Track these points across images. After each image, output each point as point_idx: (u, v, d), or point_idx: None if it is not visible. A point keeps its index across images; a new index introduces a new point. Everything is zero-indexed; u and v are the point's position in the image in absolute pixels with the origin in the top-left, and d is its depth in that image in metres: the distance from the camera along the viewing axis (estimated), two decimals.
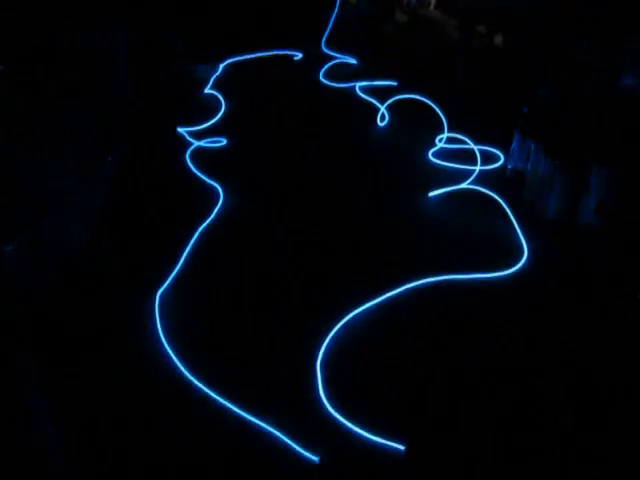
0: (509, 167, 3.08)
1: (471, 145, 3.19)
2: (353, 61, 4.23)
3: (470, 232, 2.72)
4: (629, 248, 2.55)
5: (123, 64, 3.69)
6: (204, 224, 2.77)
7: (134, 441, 1.88)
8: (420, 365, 2.11)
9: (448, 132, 3.33)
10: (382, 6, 4.80)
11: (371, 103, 3.72)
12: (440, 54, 4.09)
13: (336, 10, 4.42)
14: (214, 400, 1.97)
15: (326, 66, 4.13)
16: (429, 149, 3.29)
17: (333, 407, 1.94)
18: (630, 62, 2.83)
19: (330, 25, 4.40)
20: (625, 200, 2.59)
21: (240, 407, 1.94)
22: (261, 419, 1.90)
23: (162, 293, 2.39)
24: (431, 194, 2.98)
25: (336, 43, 4.32)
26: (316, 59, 4.21)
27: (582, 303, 2.37)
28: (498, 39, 4.07)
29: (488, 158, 3.19)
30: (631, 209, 2.58)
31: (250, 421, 1.90)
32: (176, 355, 2.12)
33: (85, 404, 1.98)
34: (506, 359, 2.14)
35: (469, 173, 3.08)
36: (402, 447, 1.83)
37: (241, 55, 4.24)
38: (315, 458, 1.80)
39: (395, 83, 3.88)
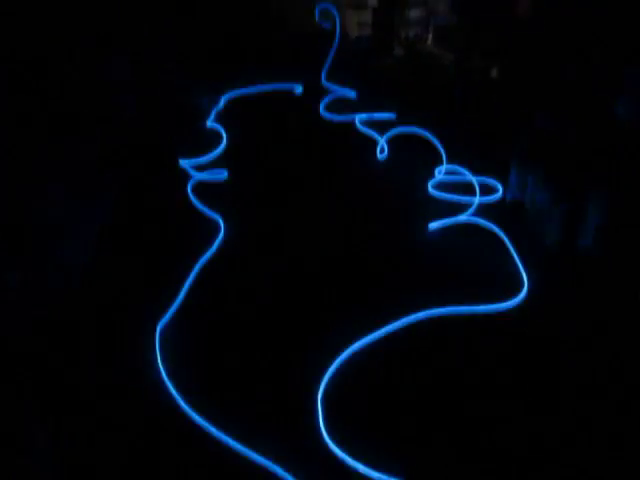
0: (508, 198, 3.11)
1: (470, 177, 3.22)
2: (353, 94, 4.30)
3: (470, 263, 2.72)
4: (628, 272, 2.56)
5: (126, 96, 3.76)
6: (205, 256, 2.78)
7: (132, 476, 1.85)
8: (421, 400, 2.09)
9: (447, 164, 3.36)
10: (380, 41, 4.91)
11: (371, 136, 3.77)
12: (438, 87, 4.15)
13: (335, 44, 4.50)
14: (213, 435, 1.95)
15: (326, 99, 4.19)
16: (428, 181, 3.32)
17: (334, 443, 1.91)
18: (625, 91, 2.88)
19: (330, 59, 4.48)
20: (623, 226, 2.60)
21: (239, 442, 1.92)
22: (260, 455, 1.88)
23: (162, 326, 2.38)
24: (431, 226, 2.99)
25: (336, 77, 4.40)
26: (316, 92, 4.28)
27: (585, 332, 2.36)
28: (494, 72, 4.14)
29: (487, 189, 3.22)
30: (629, 235, 2.60)
31: (249, 456, 1.88)
32: (176, 389, 2.11)
33: (83, 437, 1.96)
34: (509, 392, 2.12)
35: (469, 204, 3.10)
36: None
37: (242, 88, 4.31)
38: None
39: (394, 116, 3.93)
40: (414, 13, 4.79)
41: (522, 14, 3.65)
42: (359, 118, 3.96)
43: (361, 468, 1.85)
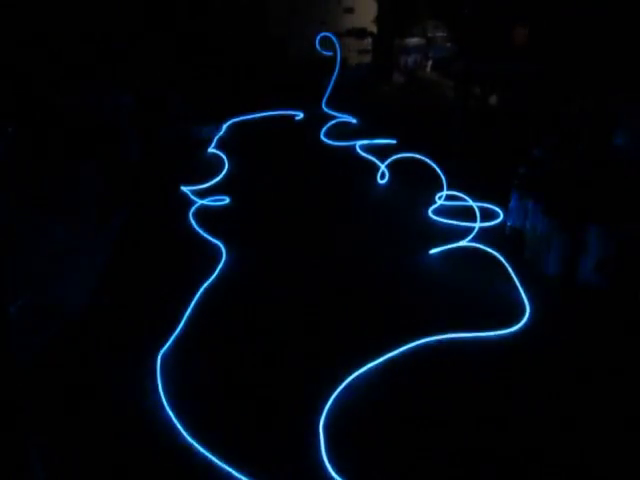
0: (508, 224, 3.12)
1: (470, 202, 3.24)
2: (353, 120, 4.35)
3: (471, 290, 2.73)
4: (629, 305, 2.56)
5: (127, 126, 3.80)
6: (207, 283, 2.78)
7: None
8: (424, 427, 2.08)
9: (447, 190, 3.39)
10: (380, 68, 4.99)
11: (371, 161, 3.80)
12: (437, 114, 4.21)
13: (336, 71, 4.58)
14: (215, 464, 1.94)
15: (327, 125, 4.24)
16: (429, 206, 3.34)
17: (336, 472, 1.90)
18: (622, 122, 2.91)
19: (330, 86, 4.54)
20: (623, 257, 2.61)
21: (241, 472, 1.90)
22: None
23: (164, 354, 2.38)
24: (432, 251, 3.00)
25: (336, 103, 4.46)
26: (317, 119, 4.33)
27: (586, 361, 2.35)
28: (493, 99, 4.20)
29: (487, 215, 3.24)
30: (630, 266, 2.60)
31: None
32: (177, 418, 2.09)
33: (82, 468, 1.94)
34: (510, 418, 2.10)
35: (469, 230, 3.11)
36: None
37: (244, 115, 4.37)
38: None
39: (394, 142, 3.97)
40: (413, 41, 4.89)
41: (519, 44, 3.72)
42: (360, 144, 4.00)
43: None
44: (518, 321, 2.53)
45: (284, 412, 2.13)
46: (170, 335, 2.46)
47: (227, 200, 3.47)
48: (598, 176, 2.77)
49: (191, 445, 2.00)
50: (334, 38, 4.50)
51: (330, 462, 1.93)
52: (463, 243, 3.04)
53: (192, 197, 3.50)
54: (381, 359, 2.33)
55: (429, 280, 2.83)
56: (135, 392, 2.21)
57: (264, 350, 2.42)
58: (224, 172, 3.75)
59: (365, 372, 2.28)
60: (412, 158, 3.54)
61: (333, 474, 1.89)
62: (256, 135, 4.18)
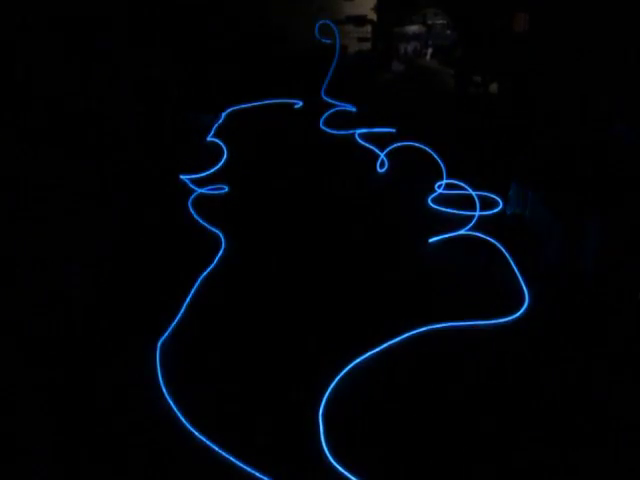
0: (508, 213, 3.12)
1: (470, 191, 3.23)
2: (352, 109, 4.33)
3: (471, 278, 2.73)
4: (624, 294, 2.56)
5: (125, 114, 3.79)
6: (206, 272, 2.78)
7: None
8: (422, 416, 2.08)
9: (447, 178, 3.37)
10: (379, 56, 4.95)
11: (370, 150, 3.79)
12: (437, 102, 4.18)
13: (335, 60, 4.54)
14: (214, 452, 1.95)
15: (326, 114, 4.22)
16: (428, 195, 3.33)
17: (336, 460, 1.91)
18: (621, 111, 2.90)
19: (330, 74, 4.51)
20: (621, 246, 2.61)
21: (240, 459, 1.91)
22: (262, 472, 1.87)
23: (163, 342, 2.38)
24: (431, 240, 3.00)
25: (335, 92, 4.43)
26: (316, 107, 4.31)
27: (584, 350, 2.36)
28: (494, 87, 4.17)
29: (487, 204, 3.23)
30: (627, 255, 2.60)
31: (251, 474, 1.87)
32: (176, 405, 2.10)
33: (84, 457, 1.95)
34: (509, 407, 2.11)
35: (469, 218, 3.11)
36: None
37: (243, 104, 4.35)
38: None
39: (394, 130, 3.95)
40: (413, 29, 4.85)
41: (520, 30, 3.69)
42: (359, 132, 3.98)
43: None
44: (517, 310, 2.53)
45: (283, 400, 2.14)
46: (169, 324, 2.47)
47: (226, 189, 3.46)
48: (598, 165, 2.76)
49: (190, 433, 2.01)
50: (333, 26, 4.46)
51: (329, 449, 1.94)
52: (463, 231, 3.04)
53: (191, 186, 3.48)
54: (379, 348, 2.33)
55: (428, 268, 2.83)
56: (134, 380, 2.22)
57: (263, 338, 2.42)
58: (223, 161, 3.73)
59: (363, 361, 2.28)
60: (411, 147, 3.52)
61: (333, 462, 1.90)
62: (255, 124, 4.16)
